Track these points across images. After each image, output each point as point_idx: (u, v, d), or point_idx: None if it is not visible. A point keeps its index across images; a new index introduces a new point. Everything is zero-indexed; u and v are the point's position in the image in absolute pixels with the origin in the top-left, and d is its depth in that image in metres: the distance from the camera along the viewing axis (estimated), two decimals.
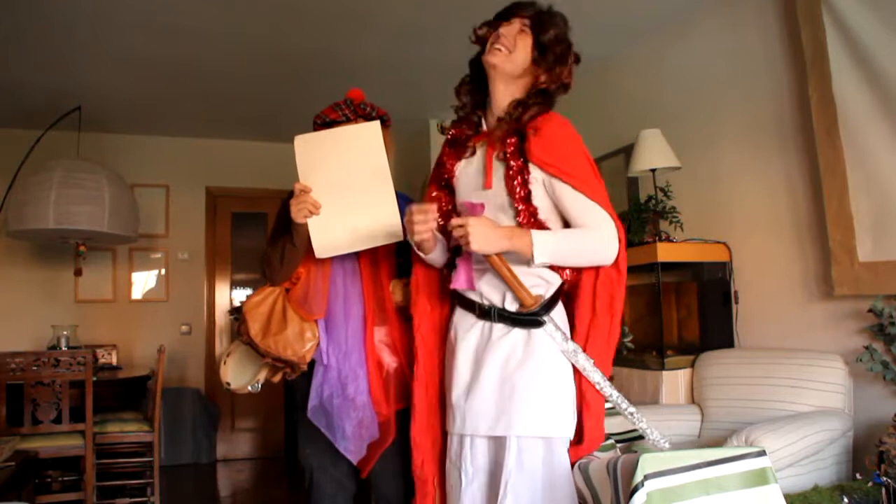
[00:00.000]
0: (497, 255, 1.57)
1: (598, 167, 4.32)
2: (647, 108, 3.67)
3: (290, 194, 2.08)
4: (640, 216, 3.24)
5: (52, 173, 4.01)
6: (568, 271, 1.66)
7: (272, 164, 5.40)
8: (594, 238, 1.60)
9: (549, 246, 1.57)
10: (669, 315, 3.18)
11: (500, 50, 1.64)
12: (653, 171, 3.19)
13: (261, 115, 4.94)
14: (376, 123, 1.78)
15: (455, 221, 1.56)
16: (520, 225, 1.62)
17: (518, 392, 1.56)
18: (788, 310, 2.88)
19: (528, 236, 1.56)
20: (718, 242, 3.12)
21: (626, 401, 1.65)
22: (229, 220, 5.72)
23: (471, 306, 1.70)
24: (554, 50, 1.65)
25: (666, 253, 2.99)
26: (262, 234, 5.61)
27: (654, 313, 3.12)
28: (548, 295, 1.63)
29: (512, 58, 1.64)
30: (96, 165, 4.23)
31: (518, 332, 1.61)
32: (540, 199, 1.63)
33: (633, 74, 3.84)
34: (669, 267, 3.13)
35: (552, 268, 1.65)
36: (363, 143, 1.76)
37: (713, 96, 3.28)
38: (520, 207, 1.61)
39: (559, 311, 1.66)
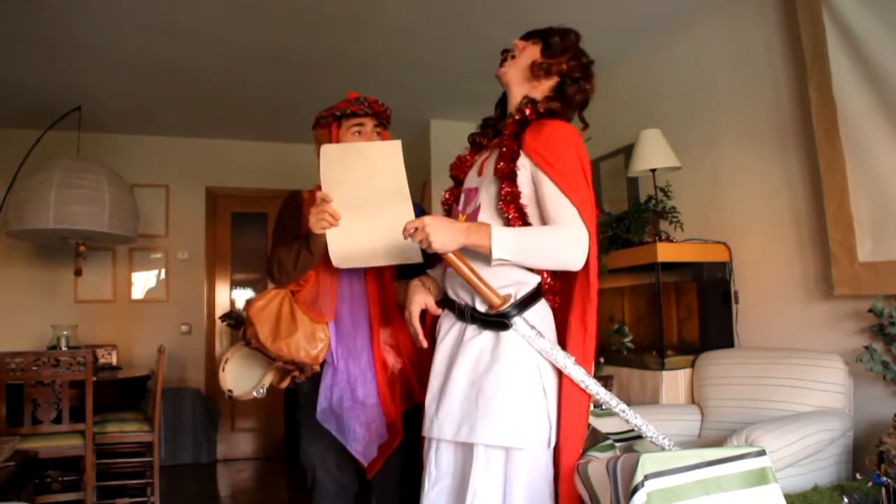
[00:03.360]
0: (455, 253, 1.54)
1: (598, 167, 4.31)
2: (647, 108, 3.67)
3: (290, 196, 2.08)
4: (640, 216, 3.24)
5: (52, 173, 4.00)
6: (547, 273, 1.62)
7: (272, 164, 5.41)
8: (557, 236, 1.53)
9: (509, 240, 1.52)
10: (669, 315, 3.18)
11: (506, 60, 1.74)
12: (653, 171, 3.19)
13: (261, 115, 4.94)
14: (398, 143, 1.78)
15: (409, 225, 1.53)
16: (501, 202, 1.59)
17: (482, 398, 1.52)
18: (788, 310, 2.88)
19: (487, 230, 1.52)
20: (718, 242, 3.12)
21: (615, 398, 1.60)
22: (229, 220, 5.72)
23: (451, 306, 1.68)
24: (559, 46, 1.71)
25: (666, 253, 2.99)
26: (263, 234, 5.61)
27: (654, 313, 3.12)
28: (520, 295, 1.58)
29: (516, 62, 1.72)
30: (96, 165, 4.23)
31: (488, 335, 1.58)
32: (524, 186, 1.60)
33: (633, 74, 3.84)
34: (669, 267, 3.13)
35: (533, 269, 1.61)
36: (386, 161, 1.76)
37: (713, 96, 3.28)
38: (503, 185, 1.59)
39: (537, 312, 1.60)
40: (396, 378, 1.95)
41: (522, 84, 1.71)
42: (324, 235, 1.79)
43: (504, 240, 1.52)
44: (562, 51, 1.70)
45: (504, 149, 1.63)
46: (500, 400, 1.51)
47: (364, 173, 1.77)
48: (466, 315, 1.62)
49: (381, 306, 1.95)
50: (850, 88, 2.55)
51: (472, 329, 1.61)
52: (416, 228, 1.52)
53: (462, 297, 1.64)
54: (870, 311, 2.43)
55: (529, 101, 1.68)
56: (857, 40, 2.52)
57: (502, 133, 1.70)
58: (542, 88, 1.71)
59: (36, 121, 4.46)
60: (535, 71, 1.69)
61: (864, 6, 2.50)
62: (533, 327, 1.56)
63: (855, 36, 2.53)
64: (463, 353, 1.59)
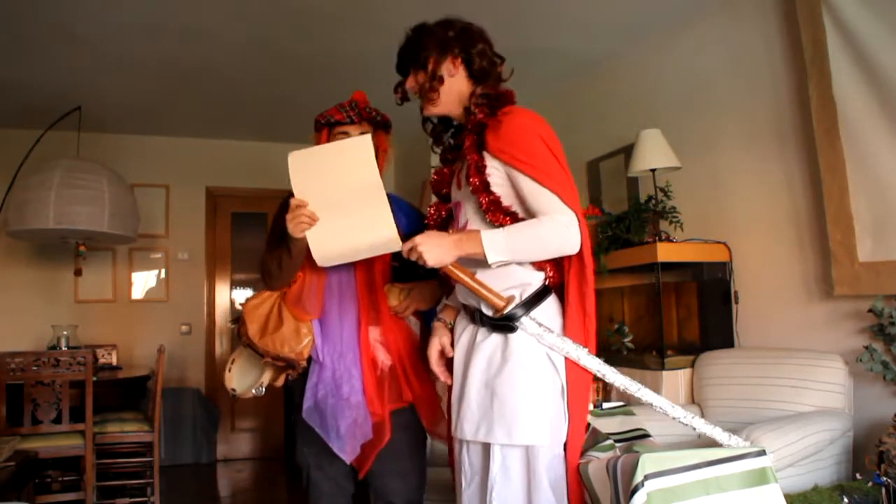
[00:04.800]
0: (453, 264, 1.56)
1: (598, 167, 4.30)
2: (647, 108, 3.67)
3: (287, 197, 2.08)
4: (640, 216, 3.24)
5: (52, 173, 4.01)
6: (550, 269, 1.63)
7: (272, 164, 5.38)
8: (547, 226, 1.53)
9: (500, 242, 1.54)
10: (669, 315, 3.18)
11: (426, 98, 1.71)
12: (653, 171, 3.19)
13: (261, 115, 4.94)
14: (367, 138, 1.77)
15: (405, 246, 1.58)
16: (484, 214, 1.60)
17: (496, 400, 1.55)
18: (788, 310, 2.88)
19: (477, 237, 1.55)
20: (718, 242, 3.12)
21: (635, 383, 1.60)
22: (229, 220, 5.72)
23: (466, 308, 1.72)
24: (424, 54, 1.69)
25: (666, 253, 2.99)
26: (262, 234, 5.58)
27: (654, 313, 3.12)
28: (525, 294, 1.60)
29: (434, 90, 1.69)
30: (96, 165, 4.23)
31: (497, 337, 1.60)
32: (502, 188, 1.61)
33: (633, 74, 3.84)
34: (669, 267, 3.13)
35: (535, 266, 1.62)
36: (355, 158, 1.75)
37: (713, 96, 3.28)
38: (480, 198, 1.60)
39: (545, 310, 1.61)
40: (385, 377, 1.95)
41: (447, 105, 1.72)
42: (304, 239, 1.79)
43: (495, 242, 1.54)
44: (426, 57, 1.69)
45: (469, 161, 1.64)
46: (513, 401, 1.53)
47: (335, 173, 1.77)
48: (476, 318, 1.65)
49: (370, 304, 1.95)
50: (850, 88, 2.55)
51: (482, 332, 1.63)
52: (411, 249, 1.56)
53: (471, 301, 1.67)
54: (870, 311, 2.44)
55: (467, 109, 1.69)
56: (857, 40, 2.52)
57: (463, 145, 1.70)
58: (461, 87, 1.71)
59: (36, 121, 4.46)
60: (430, 94, 1.68)
61: (864, 6, 2.50)
62: (541, 325, 1.57)
63: (855, 36, 2.53)
64: (476, 357, 1.62)
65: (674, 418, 1.58)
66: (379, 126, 2.00)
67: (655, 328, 3.11)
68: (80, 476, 3.42)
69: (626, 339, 3.21)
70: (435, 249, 1.54)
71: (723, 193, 3.21)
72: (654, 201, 3.22)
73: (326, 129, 1.97)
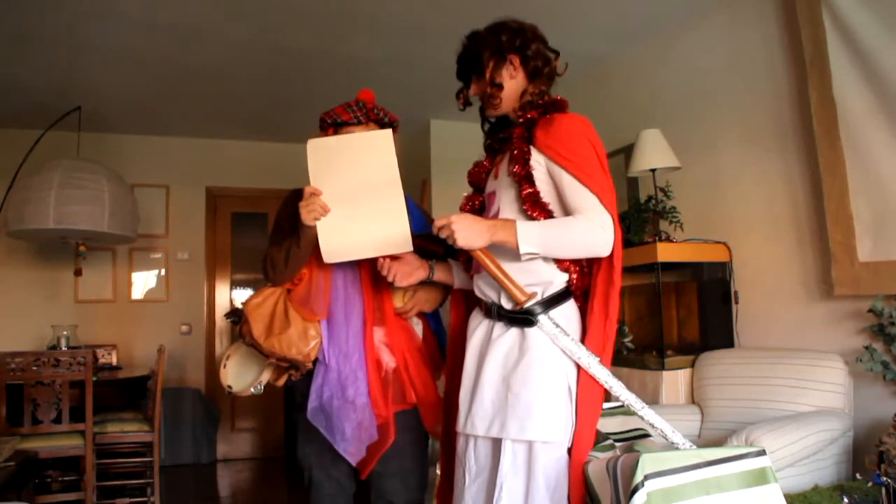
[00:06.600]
0: (482, 250, 1.58)
1: None
2: (647, 108, 3.67)
3: (291, 194, 2.08)
4: (640, 216, 3.24)
5: (52, 173, 4.01)
6: (574, 271, 1.63)
7: (272, 164, 5.41)
8: (582, 225, 1.54)
9: (534, 234, 1.55)
10: (669, 315, 3.18)
11: (488, 103, 1.76)
12: (653, 171, 3.19)
13: (261, 115, 4.94)
14: (389, 132, 1.78)
15: (438, 222, 1.58)
16: (523, 204, 1.62)
17: (511, 394, 1.56)
18: (788, 310, 2.88)
19: (512, 226, 1.55)
20: (718, 242, 3.12)
21: (639, 400, 1.61)
22: (229, 220, 5.72)
23: (480, 304, 1.73)
24: (487, 64, 1.73)
25: (666, 253, 2.99)
26: (263, 234, 5.61)
27: (654, 313, 3.12)
28: (547, 293, 1.61)
29: (494, 96, 1.73)
30: (96, 165, 4.23)
31: (514, 331, 1.61)
32: (542, 183, 1.63)
33: (633, 74, 3.84)
34: (669, 267, 3.13)
35: (560, 267, 1.63)
36: (375, 151, 1.76)
37: (713, 96, 3.28)
38: (522, 187, 1.62)
39: (564, 312, 1.62)
40: (390, 378, 1.95)
41: (507, 106, 1.75)
42: (314, 228, 1.79)
43: (529, 234, 1.55)
44: (484, 65, 1.72)
45: (515, 151, 1.66)
46: (526, 395, 1.54)
47: (354, 165, 1.77)
48: (493, 313, 1.66)
49: (375, 305, 1.95)
50: (850, 88, 2.55)
51: (499, 327, 1.65)
52: (443, 226, 1.56)
53: (489, 295, 1.68)
54: (870, 311, 2.44)
55: (525, 104, 1.71)
56: (857, 40, 2.52)
57: (512, 136, 1.72)
58: (521, 88, 1.73)
59: (36, 121, 4.46)
60: (492, 100, 1.72)
61: (864, 6, 2.50)
62: (557, 325, 1.58)
63: (855, 36, 2.53)
64: (492, 351, 1.63)
65: (672, 443, 1.59)
66: (386, 126, 1.99)
67: (655, 328, 3.11)
68: (80, 476, 3.42)
69: (626, 339, 3.21)
70: (467, 231, 1.55)
71: (723, 193, 3.21)
72: (654, 201, 3.22)
73: (332, 129, 1.96)
